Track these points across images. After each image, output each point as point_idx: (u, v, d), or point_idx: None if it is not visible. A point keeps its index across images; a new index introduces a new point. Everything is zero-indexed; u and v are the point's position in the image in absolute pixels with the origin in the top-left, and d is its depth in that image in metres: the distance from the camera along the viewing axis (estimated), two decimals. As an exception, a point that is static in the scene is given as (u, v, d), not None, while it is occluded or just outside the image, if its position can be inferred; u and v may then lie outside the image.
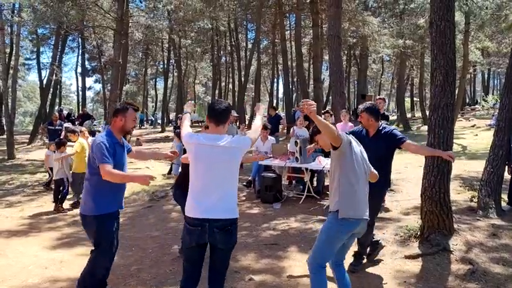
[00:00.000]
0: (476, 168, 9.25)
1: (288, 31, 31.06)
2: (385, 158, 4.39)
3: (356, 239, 4.37)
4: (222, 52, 37.37)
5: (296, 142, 7.94)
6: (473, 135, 18.48)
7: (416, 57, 28.79)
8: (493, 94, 42.58)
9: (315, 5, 18.26)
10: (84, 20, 19.63)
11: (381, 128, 4.42)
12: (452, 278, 4.30)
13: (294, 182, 9.41)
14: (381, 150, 4.27)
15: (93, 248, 3.76)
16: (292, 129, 10.47)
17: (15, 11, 21.09)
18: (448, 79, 5.17)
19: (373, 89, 52.69)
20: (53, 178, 8.39)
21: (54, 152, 8.71)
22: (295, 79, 35.36)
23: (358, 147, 3.46)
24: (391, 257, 4.95)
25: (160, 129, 30.69)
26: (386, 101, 11.46)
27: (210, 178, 3.04)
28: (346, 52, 32.34)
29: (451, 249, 4.86)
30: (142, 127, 36.32)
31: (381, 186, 4.18)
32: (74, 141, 8.38)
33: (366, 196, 3.48)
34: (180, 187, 4.69)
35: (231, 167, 3.10)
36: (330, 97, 26.71)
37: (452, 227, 5.26)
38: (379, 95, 41.68)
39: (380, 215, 6.68)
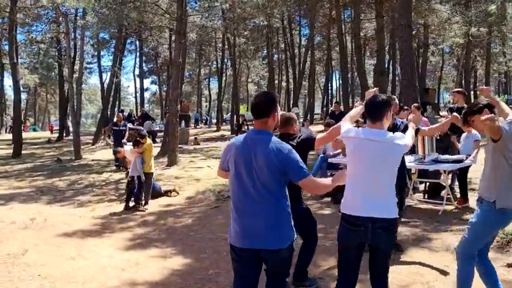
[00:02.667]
0: None
1: (343, 25, 30.33)
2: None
3: None
4: (274, 50, 37.12)
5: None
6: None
7: (481, 47, 27.13)
8: None
9: (378, -5, 17.50)
10: (143, 22, 20.09)
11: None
12: None
13: None
14: None
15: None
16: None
17: (78, 16, 21.96)
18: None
19: (431, 82, 50.41)
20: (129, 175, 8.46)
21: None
22: (349, 74, 34.47)
23: None
24: (490, 264, 4.46)
25: (215, 128, 30.93)
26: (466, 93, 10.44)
27: (369, 174, 2.89)
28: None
29: None
30: (197, 126, 36.81)
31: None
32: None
33: None
34: None
35: (390, 163, 2.92)
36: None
37: (560, 233, 4.69)
38: (438, 88, 39.93)
39: (466, 216, 6.16)
